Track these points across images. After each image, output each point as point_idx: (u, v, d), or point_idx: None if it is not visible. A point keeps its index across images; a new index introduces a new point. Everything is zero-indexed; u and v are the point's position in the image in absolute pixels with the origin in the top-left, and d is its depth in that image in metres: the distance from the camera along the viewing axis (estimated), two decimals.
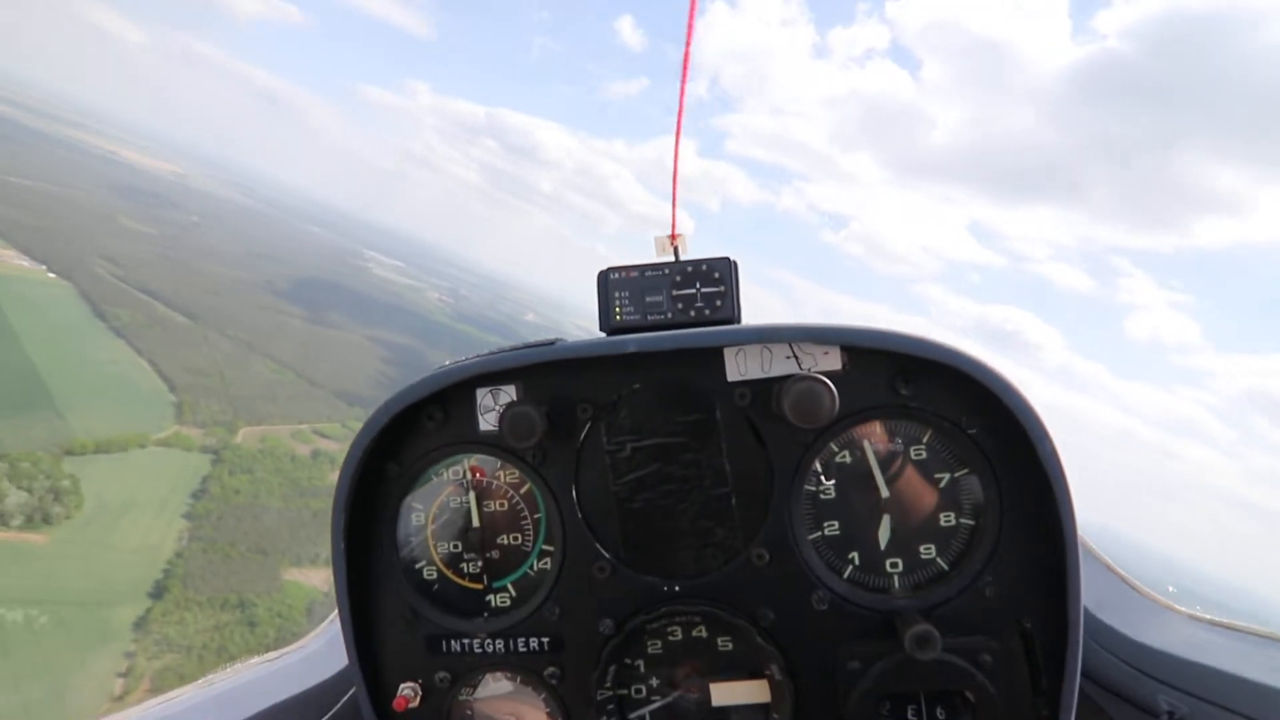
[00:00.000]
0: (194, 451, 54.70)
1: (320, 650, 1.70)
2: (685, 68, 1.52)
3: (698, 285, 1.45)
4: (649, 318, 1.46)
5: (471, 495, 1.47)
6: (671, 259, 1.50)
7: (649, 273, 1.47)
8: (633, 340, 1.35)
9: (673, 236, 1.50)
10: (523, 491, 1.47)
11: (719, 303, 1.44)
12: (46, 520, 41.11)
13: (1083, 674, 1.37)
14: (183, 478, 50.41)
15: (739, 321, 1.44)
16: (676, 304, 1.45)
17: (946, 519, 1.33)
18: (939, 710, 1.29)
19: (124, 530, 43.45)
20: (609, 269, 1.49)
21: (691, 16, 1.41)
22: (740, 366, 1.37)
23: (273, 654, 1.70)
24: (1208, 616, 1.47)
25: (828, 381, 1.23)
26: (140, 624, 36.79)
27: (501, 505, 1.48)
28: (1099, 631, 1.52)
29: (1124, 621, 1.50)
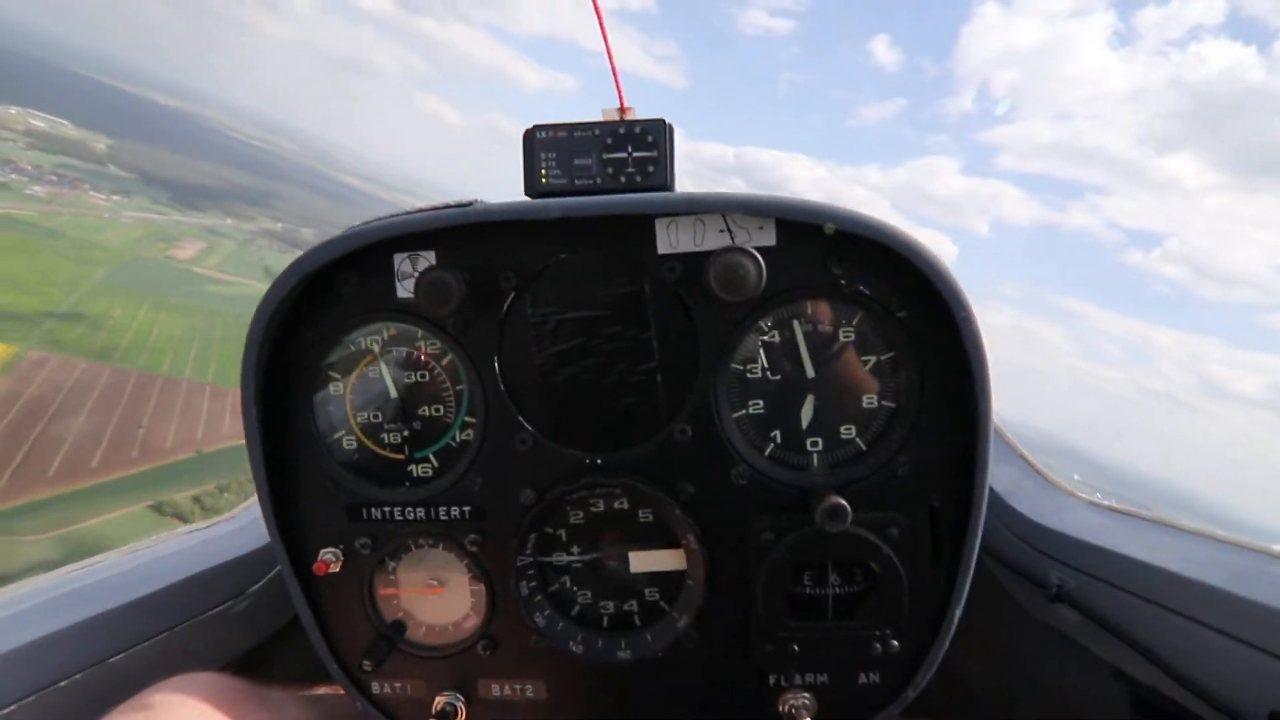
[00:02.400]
0: None
1: (253, 520, 1.69)
2: None
3: (629, 149, 1.35)
4: (576, 181, 1.37)
5: (383, 366, 1.42)
6: (601, 120, 1.37)
7: (578, 133, 1.37)
8: (557, 204, 1.28)
9: (622, 109, 1.38)
10: (444, 363, 1.42)
11: (651, 169, 1.35)
12: None
13: (985, 551, 1.48)
14: None
15: (671, 190, 1.37)
16: (606, 168, 1.36)
17: (869, 400, 1.34)
18: (834, 577, 1.36)
19: None
20: (536, 126, 1.37)
21: None
22: (671, 239, 1.31)
23: (203, 523, 1.68)
24: (1105, 502, 1.58)
25: (755, 254, 1.21)
26: None
27: (423, 376, 1.43)
28: (1005, 513, 1.60)
29: (1028, 505, 1.59)
